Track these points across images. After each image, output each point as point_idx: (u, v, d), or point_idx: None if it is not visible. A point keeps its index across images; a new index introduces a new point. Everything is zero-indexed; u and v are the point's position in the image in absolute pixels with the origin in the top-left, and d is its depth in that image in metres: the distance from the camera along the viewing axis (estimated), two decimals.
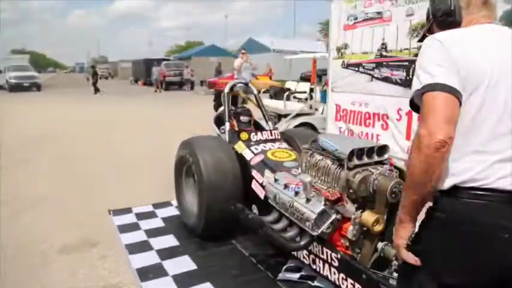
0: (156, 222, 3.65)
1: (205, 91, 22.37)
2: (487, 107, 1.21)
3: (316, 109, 6.80)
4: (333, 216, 2.32)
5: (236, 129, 3.71)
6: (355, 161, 2.38)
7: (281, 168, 3.00)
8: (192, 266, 2.83)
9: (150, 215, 3.84)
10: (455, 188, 1.24)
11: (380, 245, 2.28)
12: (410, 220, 1.35)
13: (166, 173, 3.82)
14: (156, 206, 4.07)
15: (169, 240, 3.26)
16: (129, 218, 3.74)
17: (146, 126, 9.47)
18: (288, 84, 7.86)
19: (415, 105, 1.32)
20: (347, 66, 5.03)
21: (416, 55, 4.01)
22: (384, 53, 4.44)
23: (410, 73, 4.13)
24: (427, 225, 1.33)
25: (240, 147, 3.37)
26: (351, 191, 2.36)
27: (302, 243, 2.37)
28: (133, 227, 3.54)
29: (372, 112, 4.69)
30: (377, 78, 4.58)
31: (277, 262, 2.89)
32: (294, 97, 7.27)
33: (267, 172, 3.04)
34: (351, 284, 2.24)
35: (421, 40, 1.50)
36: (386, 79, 4.44)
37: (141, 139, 7.94)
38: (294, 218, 2.46)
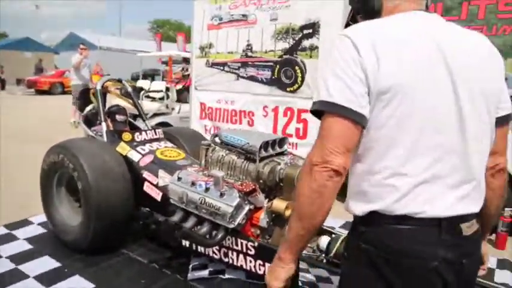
0: (20, 246, 3.04)
1: (22, 91, 19.40)
2: (406, 121, 1.01)
3: (173, 108, 6.72)
4: (247, 208, 2.39)
5: (112, 129, 3.41)
6: (263, 153, 2.50)
7: (176, 167, 2.90)
8: (89, 286, 2.49)
9: (7, 238, 3.17)
10: (374, 214, 1.06)
11: None
12: (292, 260, 1.14)
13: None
14: (10, 226, 3.37)
15: (48, 263, 2.77)
16: None
17: None
18: (140, 83, 7.54)
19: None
20: (212, 65, 5.15)
21: (281, 57, 4.42)
22: (250, 54, 4.71)
23: (275, 73, 4.51)
24: (352, 258, 1.15)
25: (123, 148, 3.11)
26: (260, 181, 2.47)
27: (219, 237, 2.37)
28: None
29: (238, 110, 4.93)
30: (243, 77, 4.84)
31: (181, 263, 2.79)
32: (147, 96, 7.03)
33: (162, 172, 2.91)
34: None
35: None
36: (252, 78, 4.74)
37: None
38: (206, 214, 2.43)
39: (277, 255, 1.18)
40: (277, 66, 4.48)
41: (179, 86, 7.72)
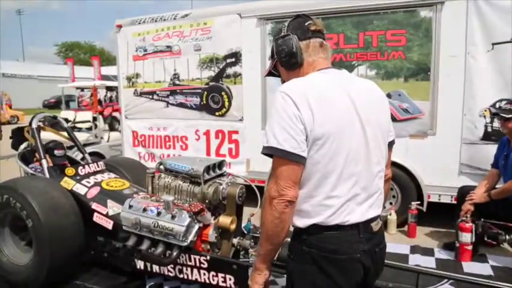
0: None
1: None
2: (334, 158, 1.34)
3: (102, 137, 6.73)
4: (197, 226, 2.70)
5: (51, 165, 3.49)
6: (206, 176, 2.83)
7: (124, 196, 3.09)
8: None
9: None
10: (314, 226, 1.39)
11: (235, 240, 2.81)
12: (266, 268, 1.48)
13: None
14: None
15: None
16: None
17: None
18: (64, 114, 7.34)
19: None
20: (140, 94, 5.35)
21: (207, 84, 4.80)
22: (177, 82, 5.03)
23: (204, 99, 4.87)
24: (298, 259, 1.45)
25: (68, 183, 3.22)
26: (206, 201, 2.80)
27: (174, 255, 2.64)
28: None
29: (171, 135, 5.19)
30: (172, 104, 5.13)
31: (137, 285, 3.00)
32: (73, 127, 6.93)
33: (110, 202, 3.08)
34: (222, 277, 2.67)
35: (268, 75, 1.69)
36: (181, 105, 5.05)
37: None
38: (160, 236, 2.69)
39: (254, 266, 1.51)
40: (205, 92, 4.85)
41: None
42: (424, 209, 4.13)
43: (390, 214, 4.19)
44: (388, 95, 4.18)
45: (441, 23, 3.89)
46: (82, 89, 13.11)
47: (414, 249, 3.73)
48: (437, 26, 3.91)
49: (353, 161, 1.38)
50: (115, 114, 8.25)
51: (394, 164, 4.12)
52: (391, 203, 4.35)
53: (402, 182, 4.20)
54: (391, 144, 1.60)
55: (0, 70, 30.56)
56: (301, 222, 1.41)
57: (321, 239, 1.39)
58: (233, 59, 4.65)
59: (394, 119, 4.10)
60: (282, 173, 1.34)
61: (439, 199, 4.10)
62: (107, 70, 21.16)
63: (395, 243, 3.83)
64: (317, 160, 1.35)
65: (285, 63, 1.53)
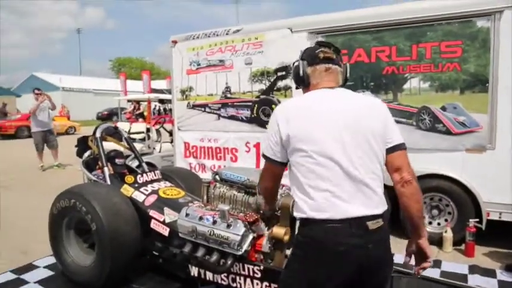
0: None
1: None
2: (313, 160, 1.59)
3: (154, 148, 7.00)
4: (251, 236, 2.74)
5: (112, 172, 3.69)
6: None
7: (179, 205, 3.21)
8: None
9: (17, 283, 3.34)
10: (305, 219, 1.63)
11: (288, 251, 2.82)
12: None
13: None
14: (18, 271, 3.55)
15: None
16: None
17: None
18: (119, 125, 7.71)
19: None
20: (193, 106, 5.54)
21: (258, 97, 4.88)
22: (229, 95, 5.16)
23: (254, 112, 4.96)
24: (295, 245, 1.74)
25: (127, 190, 3.40)
26: (260, 212, 2.84)
27: (229, 263, 2.69)
28: None
29: (222, 147, 5.32)
30: (224, 117, 5.26)
31: None
32: (129, 138, 7.26)
33: (167, 210, 3.21)
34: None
35: (297, 88, 1.95)
36: (233, 117, 5.17)
37: None
38: (215, 244, 2.76)
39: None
40: (256, 105, 4.94)
41: (158, 126, 8.04)
42: (483, 227, 3.93)
43: (446, 231, 4.03)
44: (443, 108, 4.07)
45: (500, 33, 3.75)
46: (133, 102, 13.74)
47: (473, 269, 3.55)
48: (495, 36, 3.78)
49: (330, 164, 1.58)
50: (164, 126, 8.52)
51: (449, 179, 3.99)
52: (446, 220, 4.19)
53: (458, 197, 4.04)
54: (394, 148, 1.69)
55: (61, 84, 32.72)
56: (297, 215, 1.68)
57: (310, 230, 1.62)
58: (284, 73, 4.72)
59: (449, 132, 4.00)
60: (264, 170, 1.86)
61: (500, 217, 3.90)
62: (156, 84, 22.09)
63: (452, 262, 3.68)
64: (301, 163, 1.63)
65: (296, 83, 1.87)
